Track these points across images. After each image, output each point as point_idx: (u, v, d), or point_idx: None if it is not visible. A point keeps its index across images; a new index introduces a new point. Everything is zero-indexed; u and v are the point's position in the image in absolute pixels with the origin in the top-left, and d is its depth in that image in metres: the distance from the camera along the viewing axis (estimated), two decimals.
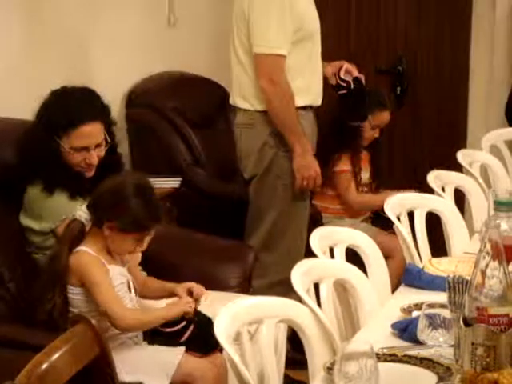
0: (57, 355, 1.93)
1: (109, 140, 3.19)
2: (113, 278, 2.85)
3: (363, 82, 4.12)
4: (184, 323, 2.91)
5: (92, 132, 3.13)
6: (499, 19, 5.08)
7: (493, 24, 5.12)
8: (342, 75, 4.07)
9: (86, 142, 3.11)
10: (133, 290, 2.93)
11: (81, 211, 2.86)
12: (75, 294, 2.84)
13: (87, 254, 2.84)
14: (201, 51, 4.86)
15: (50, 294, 2.79)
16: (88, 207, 2.86)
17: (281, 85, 3.77)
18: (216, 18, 4.66)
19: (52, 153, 3.09)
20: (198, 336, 2.87)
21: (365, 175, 4.49)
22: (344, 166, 4.43)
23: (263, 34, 3.74)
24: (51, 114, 3.14)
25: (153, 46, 4.58)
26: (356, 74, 4.10)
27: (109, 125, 3.23)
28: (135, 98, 4.43)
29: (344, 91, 4.08)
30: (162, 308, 2.96)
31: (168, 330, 2.91)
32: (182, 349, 2.86)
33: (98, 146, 3.14)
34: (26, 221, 3.16)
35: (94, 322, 2.15)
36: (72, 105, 3.16)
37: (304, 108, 3.87)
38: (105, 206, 2.84)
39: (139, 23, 4.49)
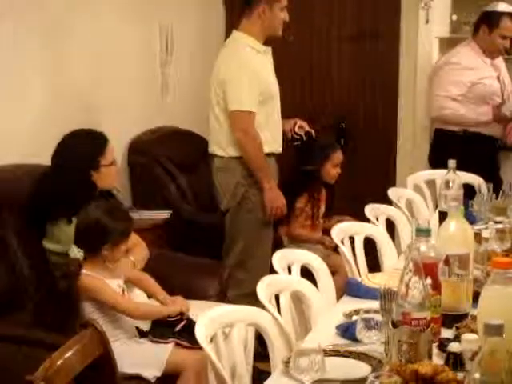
0: (69, 354, 1.91)
1: None
2: None
3: (313, 135, 4.14)
4: (179, 317, 2.91)
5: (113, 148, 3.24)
6: (419, 83, 5.12)
7: (415, 87, 5.16)
8: (296, 130, 4.10)
9: (114, 156, 3.22)
10: (126, 292, 2.93)
11: (74, 252, 2.85)
12: (85, 307, 2.82)
13: (87, 275, 2.82)
14: (187, 111, 4.86)
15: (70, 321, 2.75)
16: (78, 245, 2.84)
17: (252, 135, 3.77)
18: (198, 85, 4.68)
19: (86, 185, 3.08)
20: (187, 330, 2.84)
21: (322, 209, 4.45)
22: (301, 204, 4.32)
23: (237, 95, 3.75)
24: (79, 151, 3.14)
25: (150, 109, 4.59)
26: (307, 128, 4.12)
27: None
28: (136, 147, 4.42)
29: (298, 143, 4.10)
30: (161, 307, 2.99)
31: (168, 319, 2.91)
32: (171, 345, 2.85)
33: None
34: (48, 244, 3.12)
35: (99, 326, 2.12)
36: (92, 136, 3.20)
37: (268, 155, 3.87)
38: (96, 240, 2.82)
39: (140, 92, 4.51)
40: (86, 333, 2.04)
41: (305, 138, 4.08)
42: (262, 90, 3.78)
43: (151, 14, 4.57)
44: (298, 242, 4.31)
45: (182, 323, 2.90)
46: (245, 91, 3.74)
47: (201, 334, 2.03)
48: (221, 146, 3.88)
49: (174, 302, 2.99)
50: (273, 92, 3.87)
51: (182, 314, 2.94)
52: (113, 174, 3.23)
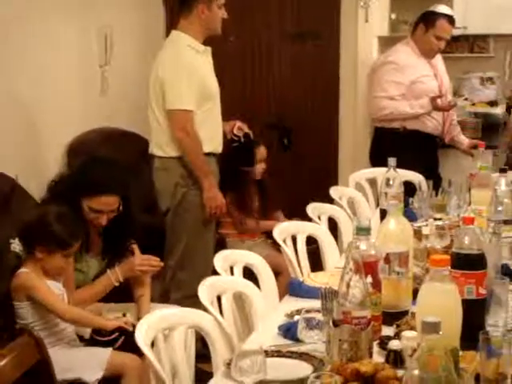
0: (3, 362, 1.86)
1: (121, 209, 3.12)
2: None
3: (251, 136, 4.15)
4: (116, 334, 2.86)
5: (109, 202, 3.07)
6: (360, 82, 5.16)
7: (355, 86, 5.20)
8: (235, 131, 4.09)
9: (102, 208, 3.06)
10: (66, 301, 2.87)
11: (14, 243, 2.79)
12: (22, 308, 2.76)
13: (25, 273, 2.78)
14: (128, 111, 4.82)
15: None
16: (19, 239, 2.79)
17: (192, 134, 3.75)
18: (138, 85, 4.63)
19: (74, 209, 3.00)
20: (128, 344, 2.81)
21: (255, 204, 4.46)
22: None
23: (176, 93, 3.72)
24: (80, 179, 3.09)
25: (90, 109, 4.53)
26: (246, 130, 4.12)
27: (125, 197, 3.15)
28: (75, 148, 4.35)
29: (236, 144, 4.11)
30: (101, 318, 2.92)
31: (101, 339, 2.86)
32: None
33: (110, 211, 3.09)
34: None
35: (35, 332, 2.08)
36: (100, 175, 3.09)
37: (208, 154, 3.85)
38: (33, 234, 2.79)
39: (79, 92, 4.44)
40: (22, 340, 2.00)
41: (242, 140, 4.09)
42: (201, 90, 3.76)
43: (90, 13, 4.52)
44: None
45: (120, 340, 2.86)
46: (184, 90, 3.71)
47: (141, 338, 2.01)
48: (160, 147, 3.85)
49: (117, 321, 2.94)
50: (212, 92, 3.86)
51: (121, 330, 2.88)
52: (90, 219, 3.11)
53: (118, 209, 3.10)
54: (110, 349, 2.80)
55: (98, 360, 2.76)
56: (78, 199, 3.03)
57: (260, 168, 4.45)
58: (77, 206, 3.01)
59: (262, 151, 4.46)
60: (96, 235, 3.14)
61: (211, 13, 3.80)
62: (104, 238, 3.16)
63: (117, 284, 3.11)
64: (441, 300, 1.77)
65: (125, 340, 2.85)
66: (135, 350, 2.67)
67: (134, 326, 2.81)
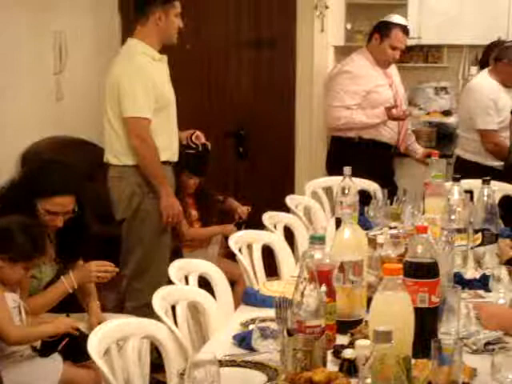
0: None
1: (76, 210, 3.07)
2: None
3: (209, 147, 4.15)
4: (59, 336, 2.83)
5: (63, 202, 3.02)
6: (316, 91, 5.19)
7: (311, 95, 5.22)
8: (193, 139, 4.09)
9: (57, 209, 3.01)
10: (23, 313, 2.82)
11: None
12: None
13: None
14: (82, 119, 4.78)
15: None
16: None
17: (148, 142, 3.73)
18: (93, 93, 4.60)
19: (29, 211, 2.95)
20: (71, 348, 2.77)
21: (194, 214, 4.44)
22: None
23: (132, 101, 3.70)
24: (33, 181, 3.04)
25: (44, 117, 4.49)
26: (203, 140, 4.12)
27: (79, 197, 3.11)
28: (28, 157, 4.30)
29: (192, 151, 4.10)
30: (49, 325, 2.87)
31: (50, 340, 2.82)
32: (61, 360, 2.78)
33: (66, 213, 3.04)
34: None
35: None
36: (54, 176, 3.05)
37: (164, 163, 3.83)
38: None
39: (33, 100, 4.39)
40: None
41: (200, 149, 4.08)
42: (157, 98, 3.75)
43: (43, 21, 4.48)
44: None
45: (64, 342, 2.82)
46: (140, 98, 3.70)
47: (93, 348, 1.99)
48: (115, 155, 3.83)
49: (52, 321, 2.90)
50: (169, 100, 3.85)
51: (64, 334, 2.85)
52: (45, 221, 3.07)
53: (73, 210, 3.07)
54: (61, 361, 2.77)
55: (50, 374, 2.73)
56: (33, 202, 2.99)
57: (192, 182, 4.35)
58: (31, 210, 2.98)
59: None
60: (49, 239, 3.10)
61: (168, 21, 3.80)
62: (57, 242, 3.11)
63: (71, 291, 3.07)
64: (393, 309, 1.79)
65: (69, 343, 2.82)
66: (78, 353, 2.68)
67: (78, 330, 2.82)
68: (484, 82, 4.68)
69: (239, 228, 4.16)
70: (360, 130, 4.71)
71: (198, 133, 4.11)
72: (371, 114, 4.68)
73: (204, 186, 4.40)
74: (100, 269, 3.14)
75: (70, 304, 3.14)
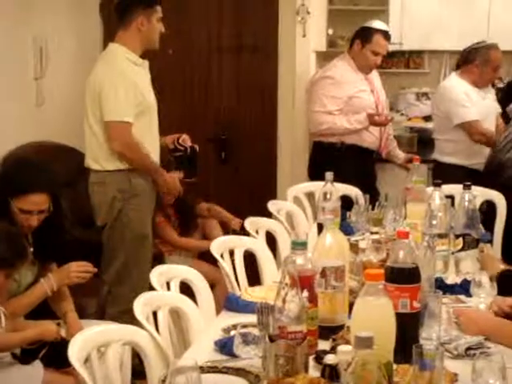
0: None
1: (51, 209, 3.05)
2: None
3: (197, 150, 4.14)
4: (39, 344, 2.81)
5: (37, 200, 3.00)
6: (298, 96, 5.19)
7: (294, 101, 5.23)
8: (180, 142, 4.08)
9: (31, 208, 2.99)
10: (2, 318, 2.80)
11: None
12: None
13: None
14: (63, 124, 4.76)
15: None
16: None
17: (131, 144, 3.73)
18: (75, 98, 4.58)
19: (3, 211, 2.94)
20: (53, 354, 2.76)
21: (175, 223, 4.43)
22: (158, 218, 4.29)
23: (113, 105, 3.70)
24: (7, 179, 3.04)
25: (24, 122, 4.46)
26: (190, 143, 4.12)
27: (55, 196, 3.09)
28: (8, 163, 4.26)
29: (180, 153, 4.08)
30: (30, 331, 2.84)
31: (31, 347, 2.80)
32: (41, 366, 2.76)
33: (40, 212, 3.02)
34: None
35: None
36: (26, 174, 3.03)
37: None
38: None
39: (14, 105, 4.37)
40: None
41: (189, 151, 4.08)
42: (139, 102, 3.75)
43: (24, 25, 4.45)
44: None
45: (44, 350, 2.80)
46: (121, 101, 3.69)
47: (74, 355, 1.98)
48: (96, 160, 3.82)
49: (35, 327, 2.88)
50: (150, 105, 3.84)
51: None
52: (20, 220, 3.05)
53: (48, 209, 3.04)
54: (42, 367, 2.75)
55: (32, 381, 2.71)
56: (7, 202, 2.97)
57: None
58: (5, 210, 2.96)
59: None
60: (26, 241, 3.07)
61: (150, 25, 3.80)
62: (34, 242, 3.08)
63: (50, 293, 3.04)
64: (374, 314, 1.79)
65: (50, 349, 2.80)
66: (60, 359, 2.67)
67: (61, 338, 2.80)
68: (454, 82, 4.74)
69: None
70: (342, 136, 4.73)
71: (184, 136, 4.10)
72: (353, 119, 4.70)
73: (185, 195, 4.39)
74: (80, 269, 3.12)
75: (42, 310, 3.11)
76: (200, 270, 2.88)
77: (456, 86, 4.70)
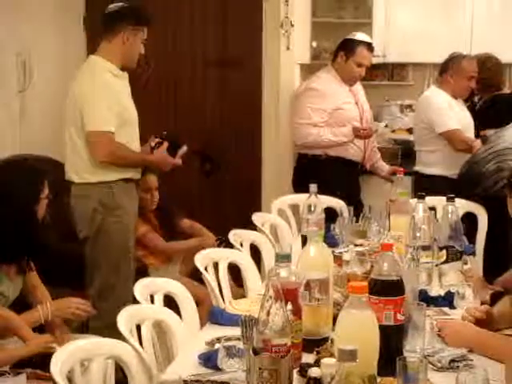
0: None
1: None
2: None
3: (178, 137, 4.10)
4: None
5: None
6: (282, 109, 5.21)
7: (278, 113, 5.24)
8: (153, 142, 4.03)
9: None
10: None
11: None
12: None
13: None
14: (46, 138, 4.75)
15: None
16: None
17: (113, 150, 3.72)
18: (59, 110, 4.57)
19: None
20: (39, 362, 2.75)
21: (159, 232, 4.39)
22: (142, 227, 4.23)
23: (95, 115, 3.69)
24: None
25: (7, 136, 4.45)
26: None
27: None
28: None
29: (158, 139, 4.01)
30: (21, 349, 2.83)
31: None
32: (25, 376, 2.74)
33: None
34: None
35: None
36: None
37: (127, 180, 3.82)
38: None
39: None
40: None
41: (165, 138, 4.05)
42: (120, 113, 3.74)
43: (7, 38, 4.45)
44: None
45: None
46: (103, 111, 3.69)
47: (57, 369, 1.97)
48: (77, 172, 3.81)
49: (35, 339, 2.87)
50: (131, 117, 3.84)
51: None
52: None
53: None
54: (25, 377, 2.73)
55: None
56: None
57: (149, 197, 4.29)
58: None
59: (152, 180, 4.29)
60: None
61: (134, 43, 3.81)
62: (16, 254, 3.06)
63: (42, 322, 3.02)
64: (358, 327, 1.79)
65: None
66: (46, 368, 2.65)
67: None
68: (435, 93, 4.78)
69: (219, 246, 4.13)
70: (326, 148, 4.74)
71: (152, 138, 4.04)
72: (338, 132, 4.72)
73: (165, 203, 4.38)
74: (79, 306, 3.10)
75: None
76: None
77: (437, 96, 4.74)
